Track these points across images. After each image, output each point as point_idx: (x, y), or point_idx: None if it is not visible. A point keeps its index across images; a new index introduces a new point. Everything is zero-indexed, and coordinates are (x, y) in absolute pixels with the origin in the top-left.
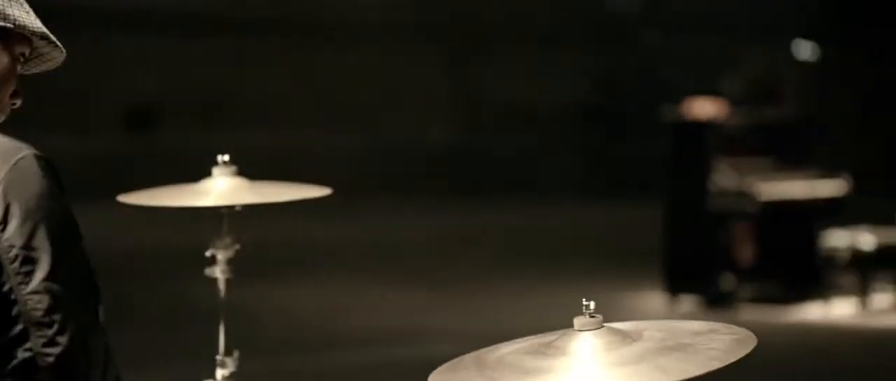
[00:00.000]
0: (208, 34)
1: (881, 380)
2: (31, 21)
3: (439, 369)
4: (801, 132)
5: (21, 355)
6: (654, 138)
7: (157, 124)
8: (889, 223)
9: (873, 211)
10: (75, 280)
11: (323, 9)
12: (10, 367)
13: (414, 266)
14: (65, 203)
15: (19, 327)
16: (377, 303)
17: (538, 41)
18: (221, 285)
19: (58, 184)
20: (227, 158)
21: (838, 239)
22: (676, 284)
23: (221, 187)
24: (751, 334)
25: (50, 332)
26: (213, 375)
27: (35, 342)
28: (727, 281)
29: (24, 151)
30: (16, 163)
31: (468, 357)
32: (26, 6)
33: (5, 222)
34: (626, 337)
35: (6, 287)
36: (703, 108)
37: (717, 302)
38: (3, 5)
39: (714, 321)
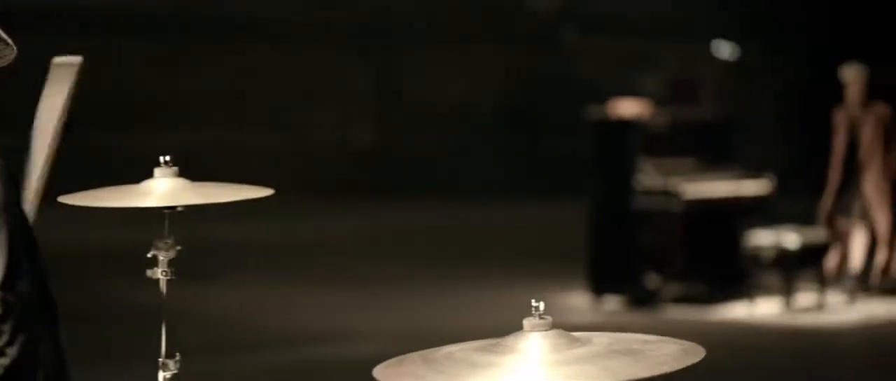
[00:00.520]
0: (123, 34)
1: (804, 379)
2: None
3: (384, 363)
4: (723, 132)
5: None
6: (575, 138)
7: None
8: (812, 223)
9: (794, 210)
10: (29, 291)
11: (243, 8)
12: None
13: (336, 266)
14: (22, 212)
15: None
16: (299, 303)
17: (459, 40)
18: (163, 287)
19: (17, 192)
20: (168, 158)
21: (763, 238)
22: (600, 283)
23: (163, 188)
24: (698, 346)
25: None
26: (155, 377)
27: None
28: (651, 281)
29: None
30: None
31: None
32: None
33: None
34: (574, 340)
35: None
36: (627, 107)
37: (641, 302)
38: None
39: (638, 320)
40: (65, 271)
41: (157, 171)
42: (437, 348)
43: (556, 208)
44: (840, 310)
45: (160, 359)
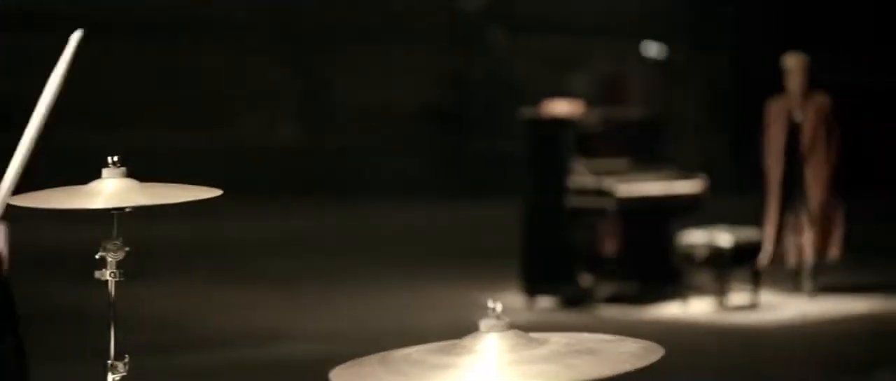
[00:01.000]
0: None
1: (738, 378)
2: None
3: (342, 366)
4: (654, 131)
5: None
6: (505, 137)
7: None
8: (743, 222)
9: (722, 209)
10: None
11: (172, 7)
12: None
13: (264, 266)
14: None
15: None
16: (227, 304)
17: (388, 40)
18: (111, 288)
19: None
20: (116, 158)
21: (696, 237)
22: (533, 284)
23: (111, 189)
24: (657, 345)
25: None
26: (104, 379)
27: None
28: (584, 281)
29: None
30: None
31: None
32: None
33: None
34: (532, 340)
35: None
36: (561, 107)
37: (574, 302)
38: None
39: (572, 320)
40: (12, 272)
41: (105, 171)
42: (395, 350)
43: (487, 208)
44: (773, 309)
45: (109, 361)
